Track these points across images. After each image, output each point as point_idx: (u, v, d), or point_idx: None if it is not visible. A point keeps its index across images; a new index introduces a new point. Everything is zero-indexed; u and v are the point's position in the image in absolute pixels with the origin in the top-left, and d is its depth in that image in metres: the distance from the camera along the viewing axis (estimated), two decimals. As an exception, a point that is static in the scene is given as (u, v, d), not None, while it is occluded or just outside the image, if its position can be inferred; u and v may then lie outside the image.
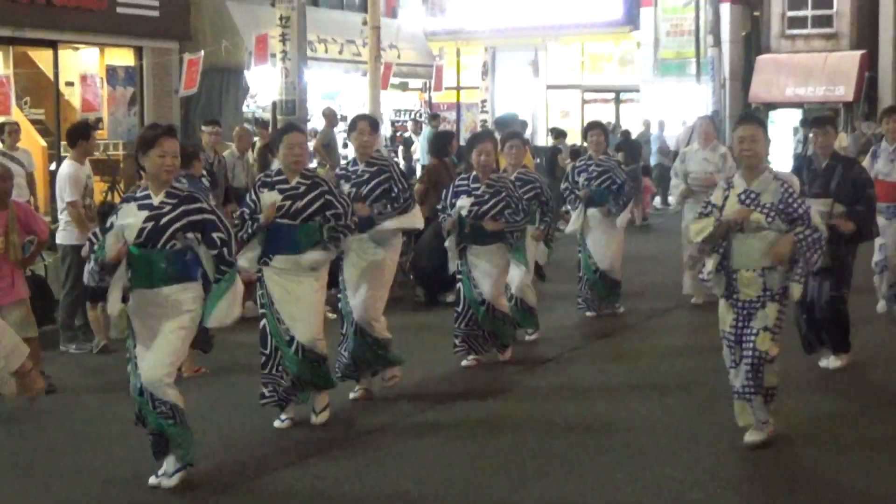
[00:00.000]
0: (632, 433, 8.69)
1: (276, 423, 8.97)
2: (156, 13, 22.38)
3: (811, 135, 10.32)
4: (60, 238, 12.08)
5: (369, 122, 10.13)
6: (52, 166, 20.32)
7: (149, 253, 7.50)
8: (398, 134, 28.83)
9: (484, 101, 30.70)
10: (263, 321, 9.00)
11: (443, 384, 10.44)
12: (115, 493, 7.62)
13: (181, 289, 7.54)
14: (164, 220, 7.48)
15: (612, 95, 35.48)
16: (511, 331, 11.39)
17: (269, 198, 8.86)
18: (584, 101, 35.46)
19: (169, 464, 7.61)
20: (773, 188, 7.98)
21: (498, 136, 13.12)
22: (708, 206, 8.22)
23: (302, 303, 8.90)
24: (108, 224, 7.62)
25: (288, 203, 8.82)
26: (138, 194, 7.66)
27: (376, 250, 9.79)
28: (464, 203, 10.87)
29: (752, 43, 34.29)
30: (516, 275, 11.55)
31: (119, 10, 21.62)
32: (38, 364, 10.42)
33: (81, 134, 12.22)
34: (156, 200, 7.53)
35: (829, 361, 10.47)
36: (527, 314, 12.03)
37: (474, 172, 10.98)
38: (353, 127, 10.15)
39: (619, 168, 13.65)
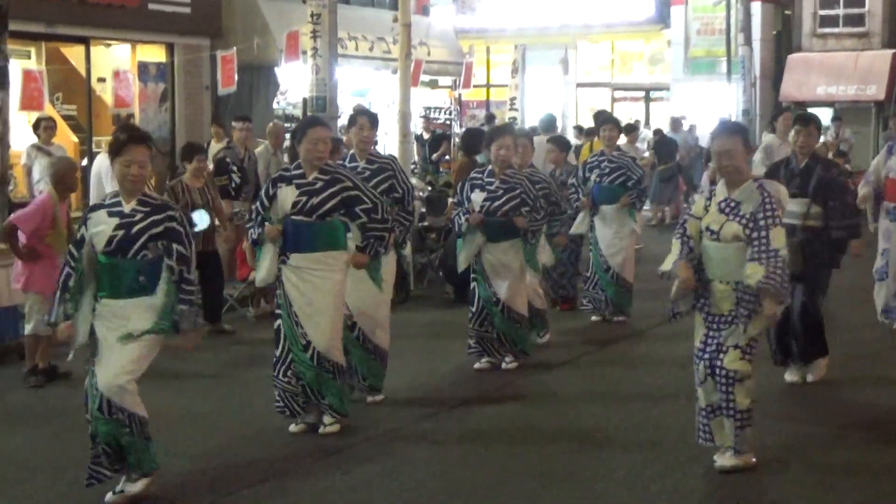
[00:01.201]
0: (657, 433, 8.69)
1: (291, 428, 8.81)
2: (187, 10, 22.44)
3: (792, 133, 10.09)
4: None
5: (369, 118, 9.94)
6: (84, 162, 20.43)
7: (118, 262, 7.23)
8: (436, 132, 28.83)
9: (513, 99, 30.65)
10: (278, 322, 8.76)
11: (453, 387, 10.39)
12: (194, 473, 7.79)
13: (149, 302, 7.25)
14: (136, 228, 7.20)
15: (642, 94, 35.38)
16: (529, 336, 11.21)
17: (286, 194, 8.62)
18: (614, 100, 35.35)
19: (128, 476, 7.37)
20: (755, 197, 7.58)
21: (542, 137, 13.15)
22: (686, 220, 7.90)
23: (319, 306, 8.62)
24: (78, 236, 7.37)
25: (304, 199, 8.57)
26: (107, 201, 7.39)
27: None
28: (476, 198, 10.74)
29: (784, 42, 34.14)
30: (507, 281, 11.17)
31: (151, 6, 21.69)
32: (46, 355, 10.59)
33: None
34: (127, 208, 7.25)
35: (797, 375, 10.10)
36: (535, 318, 11.78)
37: (490, 167, 10.87)
38: (352, 122, 9.96)
39: (634, 164, 13.48)
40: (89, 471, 7.36)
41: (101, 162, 12.06)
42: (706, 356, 7.66)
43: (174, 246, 7.22)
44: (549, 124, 17.91)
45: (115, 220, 7.20)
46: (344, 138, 11.77)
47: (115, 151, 7.30)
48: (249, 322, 13.59)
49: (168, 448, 8.17)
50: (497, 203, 10.68)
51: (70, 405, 9.93)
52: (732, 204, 7.63)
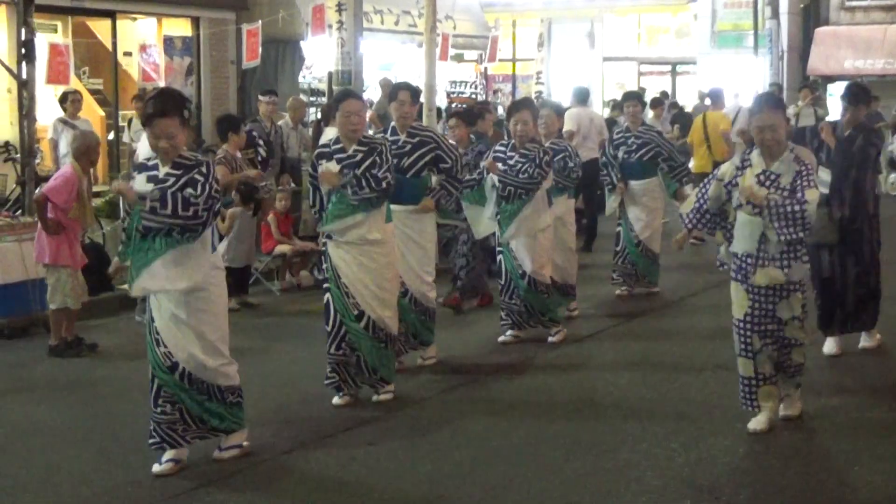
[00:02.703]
0: (682, 405, 8.70)
1: (335, 400, 8.86)
2: (213, -17, 22.45)
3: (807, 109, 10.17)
4: None
5: (410, 92, 9.93)
6: (111, 136, 20.49)
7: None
8: (454, 106, 28.78)
9: (539, 73, 30.57)
10: (328, 296, 8.84)
11: (479, 358, 10.46)
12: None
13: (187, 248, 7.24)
14: (170, 192, 7.18)
15: (669, 68, 35.23)
16: (557, 305, 11.26)
17: (329, 168, 8.71)
18: (641, 74, 35.22)
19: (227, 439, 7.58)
20: (792, 168, 7.65)
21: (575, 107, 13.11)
22: (708, 184, 7.98)
23: (370, 275, 8.75)
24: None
25: (346, 171, 8.65)
26: (150, 163, 7.45)
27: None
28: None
29: (811, 15, 33.93)
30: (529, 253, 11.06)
31: (177, -20, 21.71)
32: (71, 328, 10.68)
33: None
34: (161, 172, 7.31)
35: (835, 346, 10.11)
36: (563, 295, 11.90)
37: (513, 140, 10.87)
38: (393, 96, 9.98)
39: (661, 138, 13.49)
40: (159, 434, 7.42)
41: (144, 136, 12.14)
42: (760, 328, 7.82)
43: (187, 190, 7.14)
44: (582, 95, 17.92)
45: (151, 186, 7.23)
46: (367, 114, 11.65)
47: (144, 122, 7.42)
48: (275, 295, 13.63)
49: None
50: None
51: (95, 376, 10.04)
52: (773, 177, 7.67)
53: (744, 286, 7.85)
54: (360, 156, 8.68)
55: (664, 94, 26.40)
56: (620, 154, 13.27)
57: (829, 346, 10.16)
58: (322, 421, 8.48)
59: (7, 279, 11.58)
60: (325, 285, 8.92)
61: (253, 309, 12.71)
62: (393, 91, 10.17)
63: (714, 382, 9.30)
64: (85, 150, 10.70)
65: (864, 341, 10.31)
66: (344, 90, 11.83)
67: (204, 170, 7.26)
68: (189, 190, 7.14)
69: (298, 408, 8.87)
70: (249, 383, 9.54)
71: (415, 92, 10.04)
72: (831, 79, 32.78)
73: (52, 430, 8.33)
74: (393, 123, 9.94)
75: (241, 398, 7.65)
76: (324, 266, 9.02)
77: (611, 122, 22.79)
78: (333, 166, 8.71)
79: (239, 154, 12.76)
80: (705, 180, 8.04)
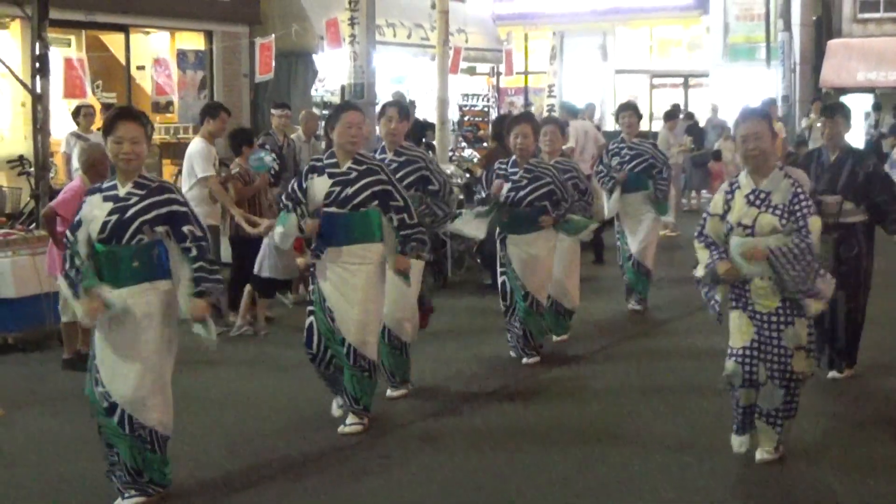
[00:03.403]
0: (689, 429, 8.60)
1: (334, 410, 8.67)
2: (226, -3, 22.54)
3: (819, 124, 9.90)
4: None
5: (399, 109, 9.55)
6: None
7: (114, 249, 6.85)
8: (465, 119, 28.80)
9: (552, 86, 30.51)
10: (311, 318, 8.46)
11: (480, 378, 10.23)
12: (184, 470, 7.66)
13: (150, 288, 6.87)
14: (130, 212, 6.80)
15: (681, 80, 35.26)
16: (543, 329, 10.92)
17: (319, 184, 8.33)
18: (653, 86, 35.28)
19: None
20: (784, 187, 7.26)
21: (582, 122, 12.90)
22: (705, 220, 7.57)
23: (355, 299, 8.31)
24: (76, 220, 7.01)
25: (337, 189, 8.27)
26: (105, 185, 7.01)
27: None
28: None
29: (824, 27, 33.94)
30: (555, 270, 11.01)
31: (190, -6, 21.81)
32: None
33: (209, 112, 12.46)
34: (122, 191, 6.87)
35: (833, 373, 9.76)
36: (561, 318, 11.61)
37: (514, 157, 10.53)
38: (381, 113, 9.60)
39: (655, 150, 13.32)
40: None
41: (193, 146, 12.18)
42: (762, 358, 7.36)
43: (185, 228, 6.87)
44: (573, 109, 17.97)
45: (109, 205, 6.85)
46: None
47: (106, 130, 6.94)
48: (288, 308, 13.64)
49: (208, 429, 8.24)
50: (522, 193, 10.38)
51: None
52: (762, 195, 7.28)
53: (746, 312, 7.42)
54: (354, 174, 8.31)
55: (676, 107, 26.38)
56: (614, 163, 13.14)
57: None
58: (318, 441, 8.29)
59: (22, 292, 11.60)
60: (310, 307, 8.54)
61: (267, 322, 12.72)
62: (382, 108, 9.81)
63: (718, 404, 9.26)
64: (92, 163, 10.67)
65: (835, 372, 9.84)
66: (345, 102, 11.71)
67: (179, 197, 6.98)
68: (189, 228, 6.88)
69: (300, 424, 8.76)
70: (257, 396, 9.59)
71: (404, 109, 9.69)
72: (844, 91, 32.76)
73: (65, 442, 8.35)
74: (383, 143, 9.60)
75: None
76: (311, 288, 8.63)
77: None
78: (325, 181, 8.34)
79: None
80: (700, 229, 7.60)
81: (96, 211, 6.88)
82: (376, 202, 8.36)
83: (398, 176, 8.99)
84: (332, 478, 7.52)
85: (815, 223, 7.24)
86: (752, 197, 7.32)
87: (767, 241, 7.18)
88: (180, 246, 6.89)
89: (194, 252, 6.88)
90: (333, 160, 8.43)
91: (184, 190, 11.95)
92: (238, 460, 7.88)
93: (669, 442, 8.08)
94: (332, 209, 8.32)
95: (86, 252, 6.90)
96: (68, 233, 7.06)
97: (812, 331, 7.46)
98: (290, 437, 8.40)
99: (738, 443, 7.56)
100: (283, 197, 8.64)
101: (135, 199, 6.83)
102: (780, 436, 7.51)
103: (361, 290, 8.35)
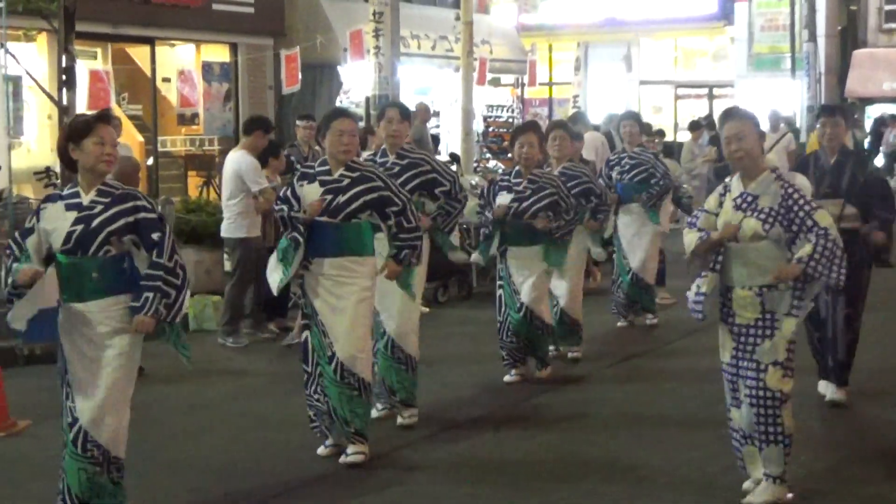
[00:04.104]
0: (693, 451, 8.59)
1: (320, 451, 8.24)
2: (251, 10, 22.59)
3: (818, 126, 9.19)
4: (228, 232, 12.24)
5: (399, 110, 9.25)
6: (150, 161, 20.63)
7: (79, 261, 6.48)
8: (490, 130, 28.81)
9: (576, 97, 30.64)
10: (306, 333, 8.17)
11: (485, 398, 10.00)
12: (209, 483, 7.72)
13: (115, 302, 6.52)
14: (96, 221, 6.44)
15: (706, 91, 35.17)
16: (547, 344, 10.63)
17: (310, 192, 8.01)
18: (677, 97, 35.20)
19: None
20: (773, 190, 6.85)
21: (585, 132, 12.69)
22: (697, 216, 7.17)
23: (344, 313, 7.96)
24: (27, 226, 6.64)
25: (329, 198, 7.93)
26: (65, 192, 6.61)
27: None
28: (503, 200, 10.17)
29: (849, 37, 33.83)
30: (563, 284, 10.91)
31: (215, 7, 21.85)
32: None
33: (256, 125, 12.49)
34: (86, 199, 6.50)
35: (832, 393, 9.36)
36: (571, 331, 11.27)
37: (517, 167, 10.35)
38: (381, 115, 9.38)
39: (655, 160, 13.06)
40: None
41: (237, 158, 12.17)
42: (740, 374, 6.93)
43: (155, 235, 6.50)
44: (580, 119, 17.93)
45: (73, 214, 6.47)
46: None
47: (83, 133, 6.48)
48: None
49: (222, 437, 8.26)
50: (525, 204, 10.14)
51: (134, 400, 10.03)
52: (749, 199, 6.89)
53: (727, 325, 7.03)
54: (346, 181, 7.99)
55: (700, 119, 26.23)
56: (614, 175, 12.91)
57: (829, 392, 9.46)
58: (306, 469, 8.05)
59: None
60: (303, 321, 8.27)
61: (287, 332, 12.72)
62: (381, 109, 9.60)
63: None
64: (123, 177, 10.74)
65: (835, 394, 9.42)
66: (337, 108, 11.35)
67: (146, 203, 6.59)
68: (156, 235, 6.52)
69: (294, 449, 8.52)
70: (272, 411, 9.58)
71: (404, 110, 9.33)
72: (869, 101, 32.65)
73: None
74: (383, 145, 9.25)
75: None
76: (301, 301, 8.28)
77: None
78: (316, 188, 8.01)
79: (279, 179, 12.82)
80: (693, 219, 7.23)
81: (58, 221, 6.50)
82: (369, 212, 8.05)
83: (401, 180, 8.75)
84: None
85: (823, 216, 6.80)
86: (738, 200, 6.94)
87: (803, 252, 6.73)
88: (149, 254, 6.52)
89: (155, 258, 6.52)
90: (325, 167, 8.12)
91: (229, 203, 11.99)
92: (221, 485, 7.72)
93: (665, 478, 7.68)
94: (324, 218, 7.95)
95: (37, 262, 6.56)
96: (13, 241, 6.68)
97: (793, 346, 6.90)
98: (282, 460, 8.25)
99: (746, 483, 7.15)
100: (277, 201, 8.30)
101: (99, 207, 6.48)
102: (782, 466, 6.89)
103: (352, 306, 7.98)
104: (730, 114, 7.17)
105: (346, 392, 7.97)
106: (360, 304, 8.04)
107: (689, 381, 10.40)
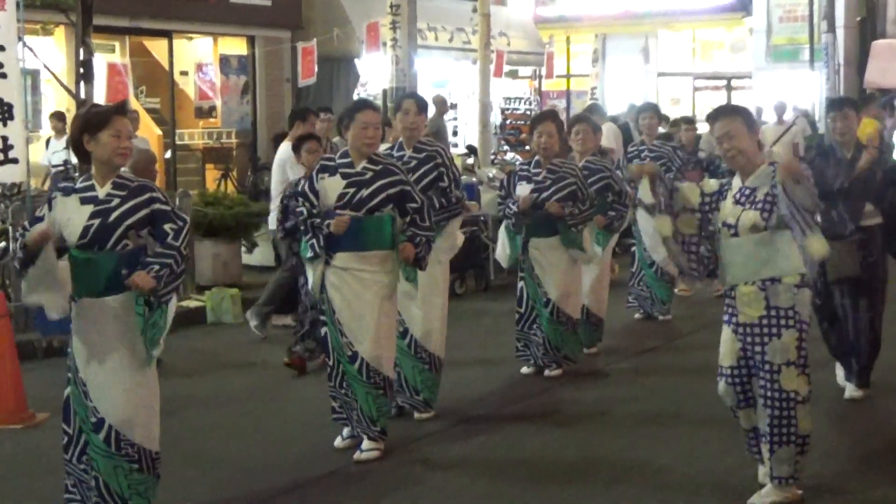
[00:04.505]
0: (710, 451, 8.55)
1: (337, 442, 8.22)
2: (268, 3, 22.61)
3: (828, 121, 9.00)
4: (275, 223, 12.26)
5: (416, 102, 9.07)
6: (168, 154, 20.68)
7: (95, 256, 6.35)
8: (508, 122, 28.77)
9: (594, 89, 30.53)
10: (325, 329, 8.13)
11: (502, 392, 9.92)
12: (229, 477, 7.72)
13: (132, 297, 6.32)
14: (114, 215, 6.30)
15: (724, 83, 35.07)
16: (577, 342, 10.46)
17: (332, 185, 7.89)
18: (696, 89, 35.09)
19: None
20: (766, 174, 6.75)
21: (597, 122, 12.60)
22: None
23: (366, 311, 7.85)
24: (40, 214, 6.51)
25: (352, 191, 7.82)
26: (79, 185, 6.45)
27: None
28: (523, 190, 10.08)
29: (868, 28, 33.68)
30: (586, 281, 10.68)
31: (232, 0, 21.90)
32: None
33: (299, 115, 12.52)
34: (101, 193, 6.35)
35: (851, 391, 9.24)
36: (592, 329, 11.14)
37: (537, 157, 10.23)
38: (398, 107, 9.24)
39: (674, 153, 12.94)
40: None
41: (281, 149, 12.23)
42: (752, 373, 6.77)
43: (167, 226, 6.38)
44: (596, 110, 17.87)
45: (90, 208, 6.33)
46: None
47: (99, 125, 6.34)
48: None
49: (241, 431, 8.27)
50: (545, 195, 10.01)
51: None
52: (748, 192, 6.76)
53: (731, 325, 6.86)
54: (369, 174, 7.87)
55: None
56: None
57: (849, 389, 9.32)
58: (315, 467, 7.93)
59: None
60: (322, 317, 8.28)
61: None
62: (397, 101, 9.41)
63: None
64: (140, 169, 10.76)
65: (853, 391, 9.29)
66: (361, 100, 11.34)
67: (160, 195, 6.48)
68: (169, 226, 6.40)
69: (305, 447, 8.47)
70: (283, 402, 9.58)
71: (421, 102, 9.15)
72: (888, 92, 32.46)
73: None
74: (400, 139, 9.11)
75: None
76: (320, 296, 8.11)
77: (667, 139, 22.74)
78: (338, 181, 7.88)
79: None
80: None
81: (72, 214, 6.36)
82: (391, 206, 7.95)
83: (416, 175, 8.68)
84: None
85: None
86: (738, 195, 6.80)
87: (758, 237, 6.65)
88: (160, 243, 6.40)
89: (171, 240, 6.39)
90: (347, 160, 7.98)
91: (275, 194, 12.01)
92: (240, 479, 7.73)
93: (681, 474, 7.59)
94: (346, 212, 7.83)
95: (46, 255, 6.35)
96: (23, 228, 6.62)
97: (805, 343, 6.74)
98: (300, 454, 8.23)
99: (761, 473, 7.02)
100: (294, 196, 8.19)
101: (116, 200, 6.33)
102: (794, 466, 6.74)
103: (375, 304, 7.88)
104: (718, 113, 6.98)
105: (372, 391, 7.90)
106: (383, 301, 7.94)
107: (705, 375, 10.09)
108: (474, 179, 16.54)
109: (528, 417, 9.15)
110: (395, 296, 8.17)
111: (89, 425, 6.44)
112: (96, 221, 6.30)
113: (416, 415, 8.95)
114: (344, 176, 7.90)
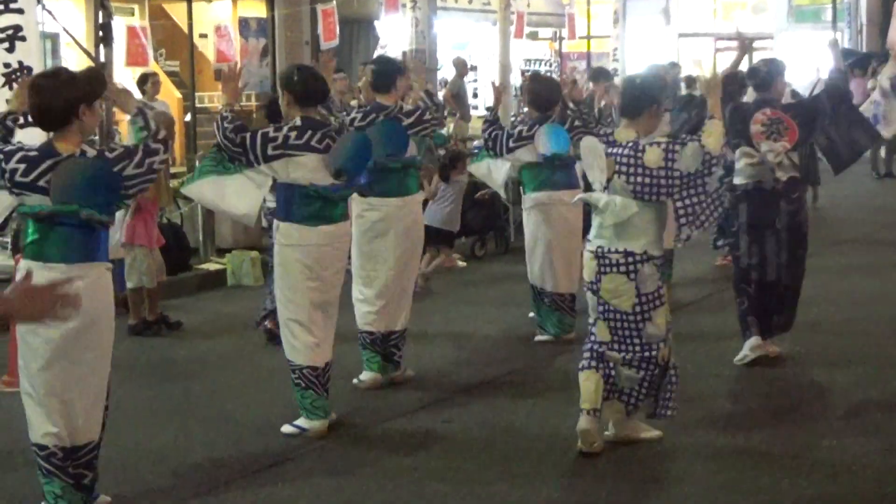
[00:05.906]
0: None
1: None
2: (287, -36, 22.55)
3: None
4: None
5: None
6: (188, 117, 20.67)
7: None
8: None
9: (615, 50, 30.41)
10: None
11: (504, 357, 9.83)
12: (249, 437, 7.76)
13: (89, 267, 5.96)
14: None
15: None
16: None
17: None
18: (717, 50, 34.94)
19: None
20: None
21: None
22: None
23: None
24: None
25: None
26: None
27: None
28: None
29: (891, -13, 33.49)
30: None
31: (251, -39, 21.86)
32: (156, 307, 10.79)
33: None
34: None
35: (757, 347, 9.03)
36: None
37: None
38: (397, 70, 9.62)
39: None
40: None
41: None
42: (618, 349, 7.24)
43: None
44: (601, 75, 17.71)
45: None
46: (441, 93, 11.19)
47: (99, 93, 6.32)
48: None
49: (259, 392, 8.31)
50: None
51: (174, 355, 10.17)
52: None
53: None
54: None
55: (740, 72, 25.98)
56: None
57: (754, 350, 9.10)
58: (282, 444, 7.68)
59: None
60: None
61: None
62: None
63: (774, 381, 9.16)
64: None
65: (774, 345, 9.26)
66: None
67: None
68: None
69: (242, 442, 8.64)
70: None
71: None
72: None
73: (132, 410, 8.32)
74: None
75: None
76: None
77: (687, 100, 22.62)
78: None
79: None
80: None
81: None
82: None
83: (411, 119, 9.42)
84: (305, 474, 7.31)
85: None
86: None
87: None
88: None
89: None
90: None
91: None
92: (258, 440, 7.75)
93: (691, 446, 7.76)
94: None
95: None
96: None
97: (669, 316, 7.20)
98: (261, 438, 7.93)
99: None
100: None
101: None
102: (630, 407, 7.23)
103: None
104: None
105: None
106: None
107: (708, 341, 10.15)
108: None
109: (536, 384, 9.05)
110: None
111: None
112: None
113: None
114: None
